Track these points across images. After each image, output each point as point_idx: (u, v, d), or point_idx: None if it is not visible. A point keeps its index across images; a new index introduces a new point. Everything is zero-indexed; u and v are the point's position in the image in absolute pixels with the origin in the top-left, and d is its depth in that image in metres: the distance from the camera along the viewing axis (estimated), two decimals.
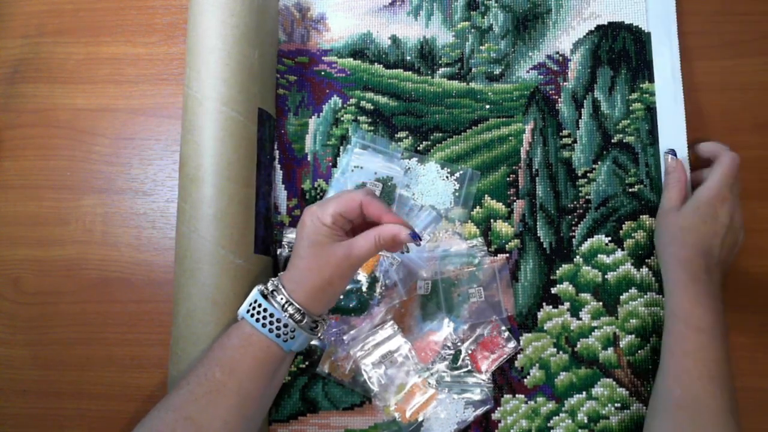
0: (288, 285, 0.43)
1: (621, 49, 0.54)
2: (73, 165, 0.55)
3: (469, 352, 0.50)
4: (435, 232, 0.52)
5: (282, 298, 0.42)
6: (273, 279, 0.44)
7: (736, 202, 0.48)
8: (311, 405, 0.50)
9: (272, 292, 0.43)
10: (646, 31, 0.54)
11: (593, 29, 0.55)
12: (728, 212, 0.47)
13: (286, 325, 0.42)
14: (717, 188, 0.48)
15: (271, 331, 0.42)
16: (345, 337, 0.50)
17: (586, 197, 0.53)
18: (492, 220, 0.52)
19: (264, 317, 0.42)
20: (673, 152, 0.52)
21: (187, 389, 0.41)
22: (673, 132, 0.53)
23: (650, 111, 0.53)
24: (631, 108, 0.54)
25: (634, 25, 0.55)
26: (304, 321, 0.42)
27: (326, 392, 0.50)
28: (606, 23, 0.55)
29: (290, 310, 0.42)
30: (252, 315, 0.42)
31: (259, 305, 0.42)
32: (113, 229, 0.54)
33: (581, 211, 0.52)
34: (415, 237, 0.42)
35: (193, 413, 0.40)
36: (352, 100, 0.54)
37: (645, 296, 0.51)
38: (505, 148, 0.54)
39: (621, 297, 0.51)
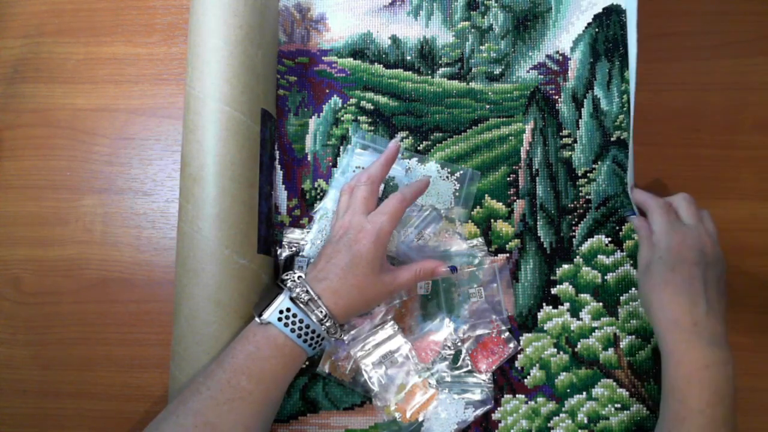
0: (327, 297, 0.42)
1: (613, 36, 0.54)
2: (73, 165, 0.55)
3: (470, 352, 0.50)
4: (435, 232, 0.52)
5: (321, 312, 0.42)
6: (297, 281, 0.43)
7: (696, 232, 0.45)
8: (311, 405, 0.50)
9: (307, 302, 0.42)
10: (624, 8, 0.54)
11: (590, 21, 0.54)
12: (693, 246, 0.43)
13: (319, 335, 0.43)
14: (666, 230, 0.45)
15: (305, 341, 0.42)
16: (345, 337, 0.50)
17: (587, 197, 0.53)
18: (492, 220, 0.52)
19: (297, 326, 0.42)
20: (632, 212, 0.50)
21: (207, 394, 0.40)
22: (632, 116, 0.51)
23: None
24: (622, 100, 0.53)
25: (617, 4, 0.54)
26: (337, 333, 0.43)
27: (326, 392, 0.50)
28: (601, 10, 0.54)
29: (328, 323, 0.43)
30: (286, 324, 0.42)
31: (294, 315, 0.42)
32: (113, 229, 0.54)
33: (581, 210, 0.52)
34: (453, 269, 0.47)
35: (214, 419, 0.39)
36: (352, 100, 0.54)
37: None
38: (505, 148, 0.54)
39: (621, 298, 0.51)
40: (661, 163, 0.53)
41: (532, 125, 0.54)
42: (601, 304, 0.51)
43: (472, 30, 0.55)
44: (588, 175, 0.53)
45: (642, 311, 0.51)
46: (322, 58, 0.55)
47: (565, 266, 0.52)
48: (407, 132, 0.54)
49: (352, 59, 0.55)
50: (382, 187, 0.52)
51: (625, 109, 0.53)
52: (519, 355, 0.51)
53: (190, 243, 0.46)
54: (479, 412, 0.49)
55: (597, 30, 0.54)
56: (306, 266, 0.51)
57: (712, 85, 0.54)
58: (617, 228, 0.52)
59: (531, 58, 0.55)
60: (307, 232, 0.52)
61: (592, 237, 0.52)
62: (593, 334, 0.51)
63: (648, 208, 0.48)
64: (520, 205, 0.53)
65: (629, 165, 0.51)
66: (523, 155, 0.53)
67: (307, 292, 0.42)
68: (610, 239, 0.52)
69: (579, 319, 0.51)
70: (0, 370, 0.53)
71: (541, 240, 0.52)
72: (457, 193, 0.53)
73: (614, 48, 0.54)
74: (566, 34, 0.55)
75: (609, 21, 0.54)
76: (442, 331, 0.50)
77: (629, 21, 0.52)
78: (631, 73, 0.51)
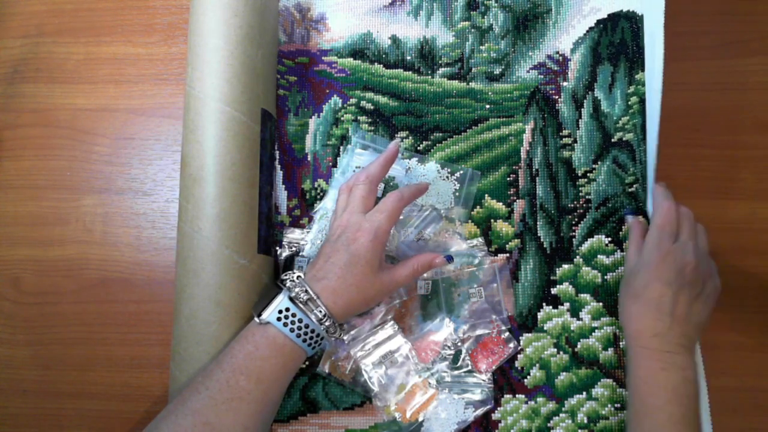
0: (326, 297, 0.42)
1: (620, 41, 0.54)
2: (73, 165, 0.55)
3: (470, 352, 0.50)
4: (435, 232, 0.52)
5: (320, 312, 0.42)
6: (296, 281, 0.43)
7: (681, 252, 0.44)
8: (311, 405, 0.50)
9: (306, 301, 0.42)
10: (639, 14, 0.54)
11: (593, 25, 0.55)
12: (672, 268, 0.44)
13: (318, 335, 0.43)
14: (654, 244, 0.45)
15: (305, 341, 0.42)
16: (345, 337, 0.50)
17: (587, 197, 0.53)
18: (492, 220, 0.52)
19: (297, 326, 0.42)
20: (630, 212, 0.51)
21: (206, 394, 0.40)
22: (653, 118, 0.51)
23: (643, 103, 0.53)
24: (629, 102, 0.53)
25: (631, 11, 0.54)
26: (336, 332, 0.43)
27: (326, 392, 0.50)
28: (606, 16, 0.54)
29: (327, 323, 0.42)
30: (285, 324, 0.42)
31: (293, 314, 0.42)
32: (113, 229, 0.54)
33: (581, 211, 0.52)
34: (449, 259, 0.47)
35: (213, 419, 0.39)
36: (352, 100, 0.54)
37: None
38: (505, 148, 0.54)
39: None
40: (661, 163, 0.53)
41: (532, 125, 0.54)
42: (601, 304, 0.51)
43: (472, 30, 0.55)
44: (588, 175, 0.53)
45: None
46: (322, 58, 0.55)
47: (565, 266, 0.52)
48: (407, 132, 0.54)
49: (352, 59, 0.55)
50: (381, 186, 0.52)
51: (631, 111, 0.53)
52: (519, 355, 0.51)
53: (190, 243, 0.46)
54: (479, 412, 0.49)
55: (600, 34, 0.54)
56: (306, 266, 0.51)
57: (712, 85, 0.54)
58: (617, 228, 0.52)
59: (531, 58, 0.55)
60: (307, 232, 0.52)
61: (592, 237, 0.52)
62: (593, 334, 0.51)
63: (655, 210, 0.48)
64: (520, 205, 0.53)
65: (650, 165, 0.50)
66: (523, 155, 0.53)
67: (306, 291, 0.42)
68: (610, 239, 0.52)
69: (579, 319, 0.51)
70: (0, 370, 0.53)
71: (541, 240, 0.52)
72: (457, 193, 0.53)
73: (619, 52, 0.54)
74: (566, 36, 0.55)
75: (616, 26, 0.54)
76: (442, 331, 0.50)
77: (651, 26, 0.52)
78: (654, 75, 0.50)
